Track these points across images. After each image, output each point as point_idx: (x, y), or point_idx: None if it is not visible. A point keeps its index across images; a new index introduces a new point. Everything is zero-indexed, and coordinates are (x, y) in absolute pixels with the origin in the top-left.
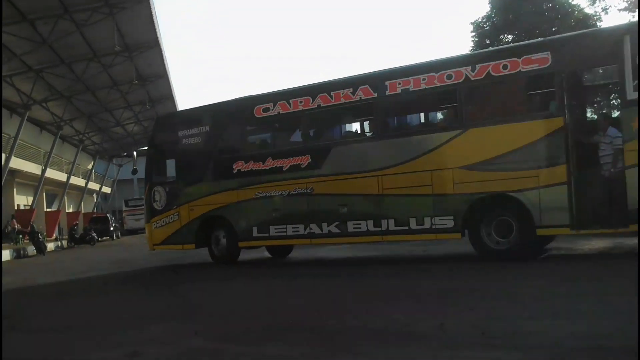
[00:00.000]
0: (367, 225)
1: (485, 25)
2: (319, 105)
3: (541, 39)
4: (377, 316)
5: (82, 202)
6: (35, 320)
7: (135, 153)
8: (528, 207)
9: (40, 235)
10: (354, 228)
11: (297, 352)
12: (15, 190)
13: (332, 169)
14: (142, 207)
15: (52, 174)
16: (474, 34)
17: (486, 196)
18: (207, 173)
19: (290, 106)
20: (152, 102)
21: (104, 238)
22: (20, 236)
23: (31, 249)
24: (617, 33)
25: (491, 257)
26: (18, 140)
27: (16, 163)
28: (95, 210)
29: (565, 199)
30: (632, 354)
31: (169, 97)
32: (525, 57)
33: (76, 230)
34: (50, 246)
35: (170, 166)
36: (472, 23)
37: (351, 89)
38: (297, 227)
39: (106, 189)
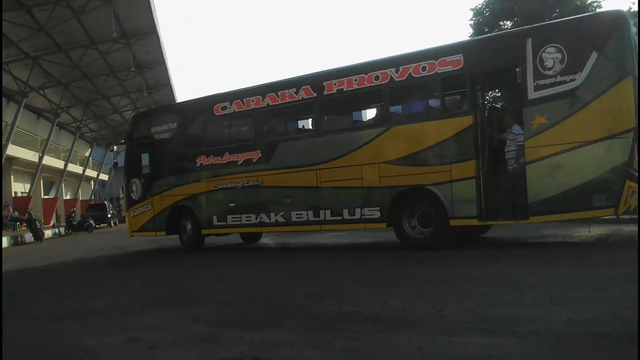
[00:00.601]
0: (307, 216)
1: (485, 12)
2: (267, 104)
3: (455, 42)
4: (375, 302)
5: (80, 190)
6: (33, 306)
7: (115, 147)
8: (442, 200)
9: (38, 222)
10: (296, 218)
11: (296, 337)
12: (12, 177)
13: (278, 164)
14: None
15: (49, 161)
16: (473, 20)
17: (407, 189)
18: (175, 166)
19: (244, 105)
20: (150, 89)
21: (102, 225)
22: (18, 223)
23: (29, 236)
24: (520, 36)
25: (412, 247)
26: (15, 128)
27: (13, 150)
28: (92, 198)
29: (473, 192)
30: (629, 341)
31: (167, 84)
32: (441, 59)
33: (74, 218)
34: (48, 233)
35: (145, 160)
36: (472, 9)
37: (295, 89)
38: (250, 217)
39: (104, 176)
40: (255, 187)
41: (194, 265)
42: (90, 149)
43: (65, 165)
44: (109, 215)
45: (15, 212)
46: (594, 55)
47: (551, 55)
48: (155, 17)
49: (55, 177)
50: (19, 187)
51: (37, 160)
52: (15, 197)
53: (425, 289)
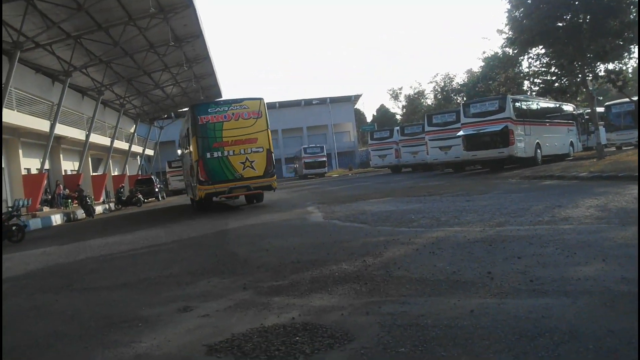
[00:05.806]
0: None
1: None
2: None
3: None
4: (423, 266)
5: (127, 165)
6: (90, 278)
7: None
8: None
9: (89, 198)
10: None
11: (345, 303)
12: (61, 156)
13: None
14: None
15: (95, 138)
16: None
17: (187, 183)
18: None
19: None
20: (190, 62)
21: (150, 199)
22: (70, 200)
23: (80, 213)
24: (189, 112)
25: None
26: (62, 107)
27: (61, 129)
28: (139, 173)
29: (190, 190)
30: None
31: (206, 57)
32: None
33: (122, 193)
34: (99, 209)
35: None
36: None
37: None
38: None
39: (149, 151)
40: (180, 175)
41: (241, 235)
42: (134, 125)
43: (112, 142)
44: (157, 190)
45: (66, 190)
46: (191, 124)
47: (186, 125)
48: None
49: (102, 154)
50: (68, 166)
51: (84, 138)
52: (65, 175)
53: (474, 251)
